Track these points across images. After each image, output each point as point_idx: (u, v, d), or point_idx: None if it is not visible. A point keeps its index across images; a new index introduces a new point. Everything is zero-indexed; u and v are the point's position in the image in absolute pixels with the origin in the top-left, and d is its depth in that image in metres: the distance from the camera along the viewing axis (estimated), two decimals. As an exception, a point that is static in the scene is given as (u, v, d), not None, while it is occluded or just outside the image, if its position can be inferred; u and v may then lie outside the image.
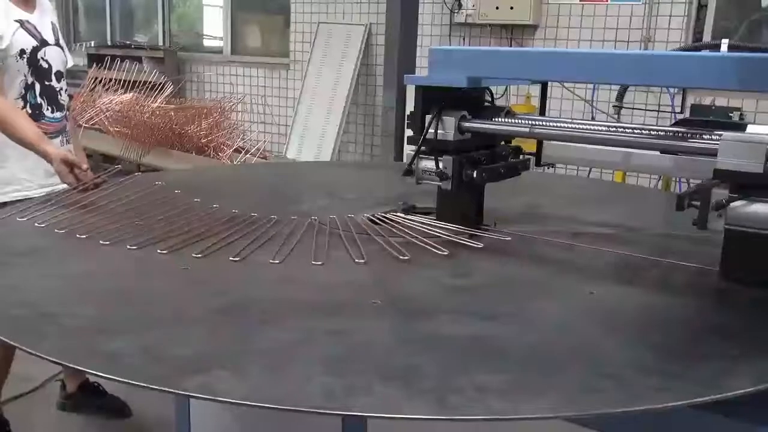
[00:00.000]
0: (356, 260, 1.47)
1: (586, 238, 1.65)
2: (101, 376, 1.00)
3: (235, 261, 1.46)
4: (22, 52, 2.33)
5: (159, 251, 1.50)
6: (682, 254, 1.51)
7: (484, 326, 1.16)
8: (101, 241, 1.56)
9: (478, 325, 1.17)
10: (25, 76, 2.35)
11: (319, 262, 1.46)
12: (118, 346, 1.04)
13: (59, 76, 2.46)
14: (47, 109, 2.41)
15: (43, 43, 2.39)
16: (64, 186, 2.09)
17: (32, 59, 2.35)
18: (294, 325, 1.16)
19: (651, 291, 1.37)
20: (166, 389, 0.92)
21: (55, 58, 2.43)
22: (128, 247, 1.53)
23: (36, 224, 1.70)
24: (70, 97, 2.69)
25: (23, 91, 2.36)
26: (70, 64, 2.61)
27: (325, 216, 1.79)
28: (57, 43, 2.46)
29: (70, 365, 0.97)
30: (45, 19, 2.45)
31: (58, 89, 2.45)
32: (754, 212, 1.27)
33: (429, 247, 1.54)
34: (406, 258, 1.47)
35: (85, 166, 2.03)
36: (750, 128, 1.32)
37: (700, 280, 1.40)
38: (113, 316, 1.19)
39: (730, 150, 1.28)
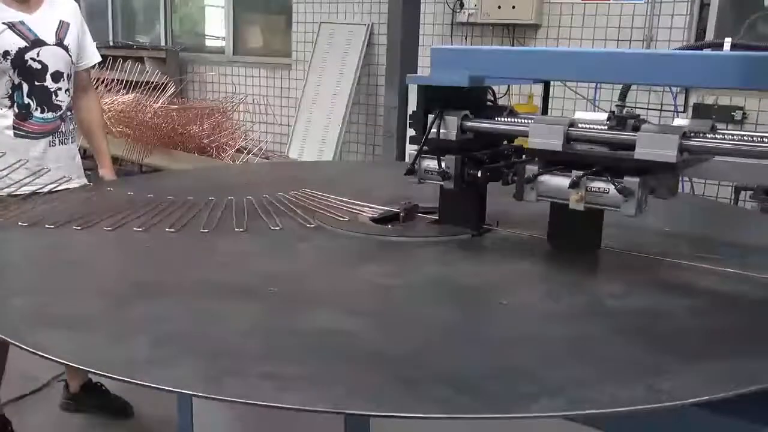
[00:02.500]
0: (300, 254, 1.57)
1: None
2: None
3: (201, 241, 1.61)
4: (6, 53, 2.31)
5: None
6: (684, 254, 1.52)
7: (353, 325, 1.15)
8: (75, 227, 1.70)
9: (348, 323, 1.15)
10: (10, 76, 2.34)
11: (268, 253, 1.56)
12: (16, 303, 1.22)
13: (57, 76, 2.43)
14: (36, 109, 2.39)
15: (37, 43, 2.36)
16: (47, 188, 2.22)
17: (17, 60, 2.33)
18: (178, 302, 1.24)
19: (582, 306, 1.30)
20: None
21: (54, 58, 2.40)
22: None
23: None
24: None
25: (9, 91, 2.35)
26: (88, 61, 2.61)
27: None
28: (59, 44, 2.43)
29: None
30: (50, 18, 2.42)
31: (53, 90, 2.42)
32: (555, 185, 1.44)
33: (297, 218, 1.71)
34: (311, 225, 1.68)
35: None
36: (578, 114, 1.51)
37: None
38: (48, 281, 1.38)
39: (537, 132, 1.47)
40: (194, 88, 7.57)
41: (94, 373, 0.99)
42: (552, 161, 1.45)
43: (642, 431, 1.12)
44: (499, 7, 5.39)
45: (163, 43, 7.84)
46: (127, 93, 5.80)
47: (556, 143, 1.43)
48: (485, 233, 1.69)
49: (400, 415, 0.89)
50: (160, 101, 5.92)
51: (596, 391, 0.92)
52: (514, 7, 5.35)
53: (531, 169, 1.47)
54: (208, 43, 7.96)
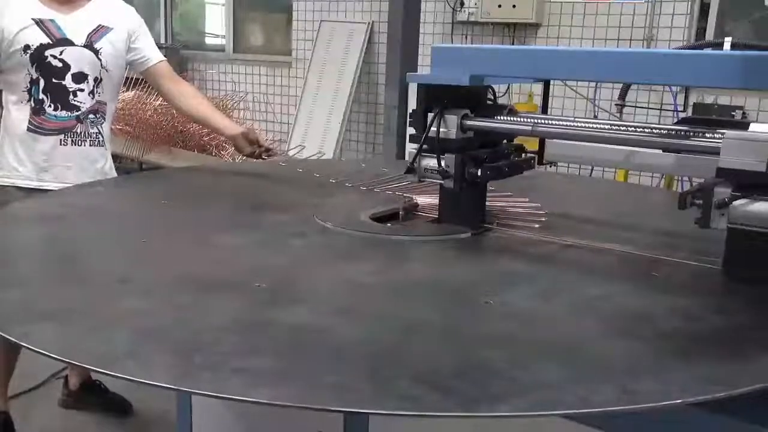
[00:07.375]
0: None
1: (588, 240, 1.64)
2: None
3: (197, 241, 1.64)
4: (27, 47, 2.32)
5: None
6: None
7: (332, 321, 1.15)
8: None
9: (328, 320, 1.16)
10: (29, 71, 2.35)
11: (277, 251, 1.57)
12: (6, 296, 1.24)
13: (80, 77, 2.41)
14: (50, 106, 2.39)
15: (63, 42, 2.36)
16: (53, 186, 2.33)
17: (37, 56, 2.34)
18: (159, 296, 1.26)
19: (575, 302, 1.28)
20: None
21: (79, 59, 2.39)
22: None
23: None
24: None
25: (28, 85, 2.37)
26: (148, 59, 2.56)
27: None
28: (88, 46, 2.40)
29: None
30: (87, 21, 2.41)
31: (72, 90, 2.41)
32: (756, 211, 1.28)
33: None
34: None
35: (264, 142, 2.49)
36: (753, 127, 1.32)
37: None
38: (41, 271, 1.43)
39: (733, 149, 1.28)
40: (194, 86, 7.55)
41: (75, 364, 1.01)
42: (749, 184, 1.28)
43: (642, 431, 1.12)
44: (500, 6, 5.40)
45: (163, 41, 7.83)
46: (128, 90, 5.79)
47: (758, 163, 1.25)
48: (485, 232, 1.69)
49: (363, 411, 0.89)
50: (161, 99, 5.92)
51: (566, 392, 0.91)
52: (514, 6, 5.35)
53: (720, 192, 1.29)
54: (209, 40, 7.96)
